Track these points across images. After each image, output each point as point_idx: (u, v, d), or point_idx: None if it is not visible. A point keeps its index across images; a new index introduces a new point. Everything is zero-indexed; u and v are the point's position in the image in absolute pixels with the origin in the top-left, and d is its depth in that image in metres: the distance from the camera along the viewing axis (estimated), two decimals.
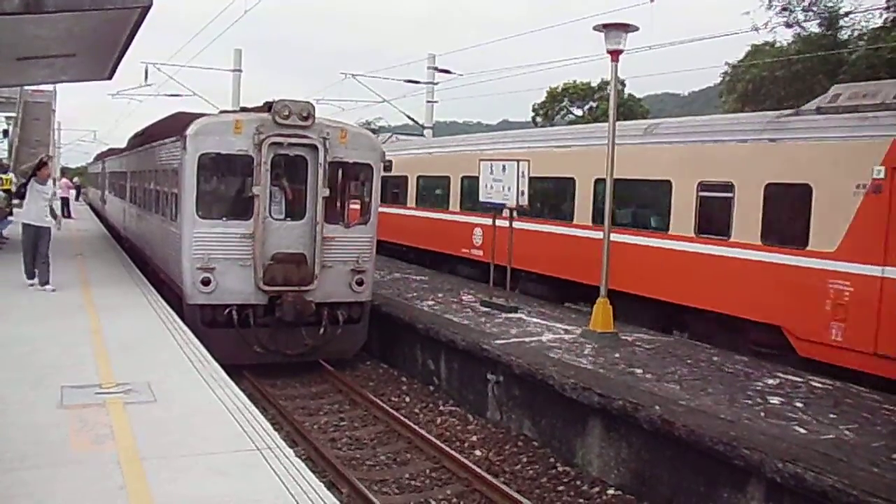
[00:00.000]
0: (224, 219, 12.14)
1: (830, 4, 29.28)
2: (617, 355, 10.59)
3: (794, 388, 9.22)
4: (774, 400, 8.62)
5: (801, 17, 29.66)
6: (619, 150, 11.82)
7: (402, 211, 21.36)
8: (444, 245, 19.23)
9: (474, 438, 10.10)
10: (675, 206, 12.35)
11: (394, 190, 21.85)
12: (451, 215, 18.81)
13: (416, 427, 10.11)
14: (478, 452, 9.58)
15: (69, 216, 33.40)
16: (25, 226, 13.42)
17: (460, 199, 18.54)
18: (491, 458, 9.36)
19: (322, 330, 12.48)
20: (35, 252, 13.24)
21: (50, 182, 14.09)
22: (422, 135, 30.66)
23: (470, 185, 17.09)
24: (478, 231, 17.28)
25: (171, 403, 7.24)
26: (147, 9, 11.80)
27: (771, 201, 10.88)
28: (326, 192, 12.31)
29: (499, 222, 14.02)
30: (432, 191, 20.69)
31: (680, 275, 12.18)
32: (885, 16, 27.59)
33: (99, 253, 19.97)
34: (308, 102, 12.33)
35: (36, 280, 13.20)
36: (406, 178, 21.19)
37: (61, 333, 9.90)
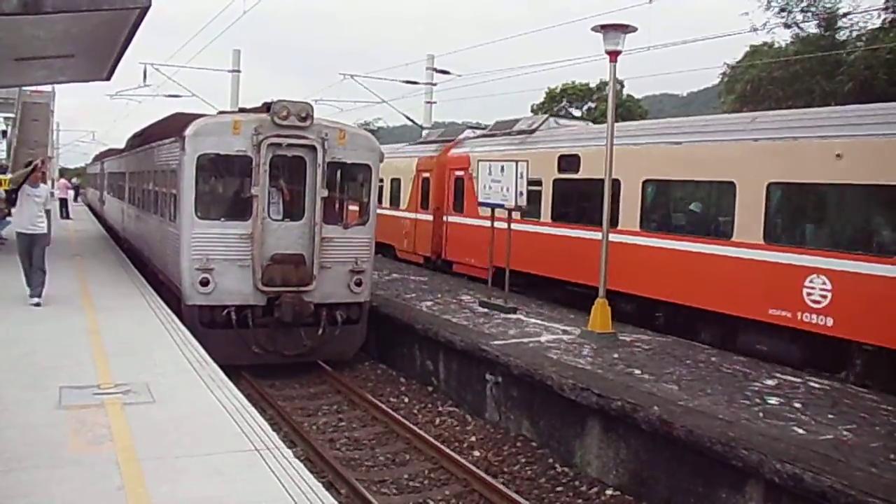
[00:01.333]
0: (223, 219, 12.15)
1: (829, 5, 29.30)
2: (615, 356, 10.59)
3: (793, 388, 9.22)
4: (773, 400, 8.62)
5: (799, 17, 29.67)
6: None
7: (615, 238, 12.46)
8: (725, 300, 11.42)
9: (473, 439, 10.10)
10: None
11: (583, 202, 14.61)
12: (747, 251, 11.03)
13: (414, 428, 10.11)
14: (476, 453, 9.58)
15: (68, 217, 33.43)
16: (19, 234, 12.36)
17: (765, 223, 10.93)
18: (489, 459, 9.36)
19: (320, 330, 12.48)
20: (30, 262, 12.14)
21: (43, 185, 12.72)
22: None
23: (798, 199, 11.04)
24: (818, 281, 10.11)
25: (170, 404, 7.24)
26: (146, 9, 11.80)
27: None
28: (325, 193, 12.31)
29: (497, 223, 14.02)
30: (685, 207, 13.01)
31: None
32: (883, 17, 27.60)
33: (97, 254, 19.96)
34: (307, 103, 12.33)
35: (39, 297, 12.03)
36: (617, 184, 12.83)
37: (60, 334, 9.89)
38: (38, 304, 11.80)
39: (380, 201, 19.59)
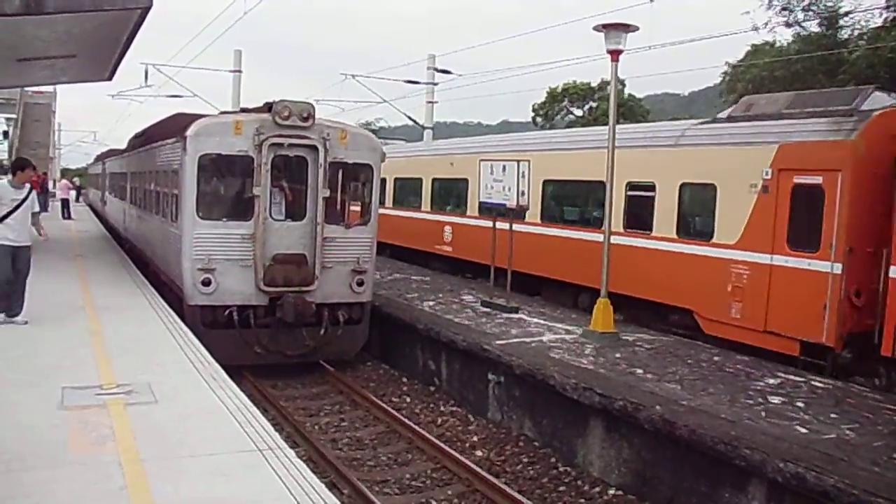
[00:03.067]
0: (224, 220, 12.14)
1: (830, 4, 29.28)
2: (618, 355, 10.59)
3: (795, 387, 9.22)
4: (775, 399, 8.61)
5: (800, 16, 29.68)
6: None
7: None
8: None
9: (475, 439, 10.10)
10: None
11: None
12: None
13: (416, 427, 10.11)
14: (479, 453, 9.57)
15: (69, 217, 33.48)
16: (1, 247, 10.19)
17: None
18: (492, 459, 9.36)
19: (322, 330, 12.47)
20: (14, 278, 10.27)
21: (27, 186, 10.50)
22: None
23: None
24: None
25: (172, 404, 7.23)
26: (147, 10, 11.80)
27: None
28: (327, 193, 12.31)
29: (498, 224, 13.99)
30: None
31: None
32: (885, 15, 27.59)
33: (99, 254, 19.96)
34: (308, 103, 12.33)
35: (2, 315, 10.32)
36: None
37: (62, 335, 9.88)
38: (25, 323, 10.31)
39: (647, 228, 12.77)
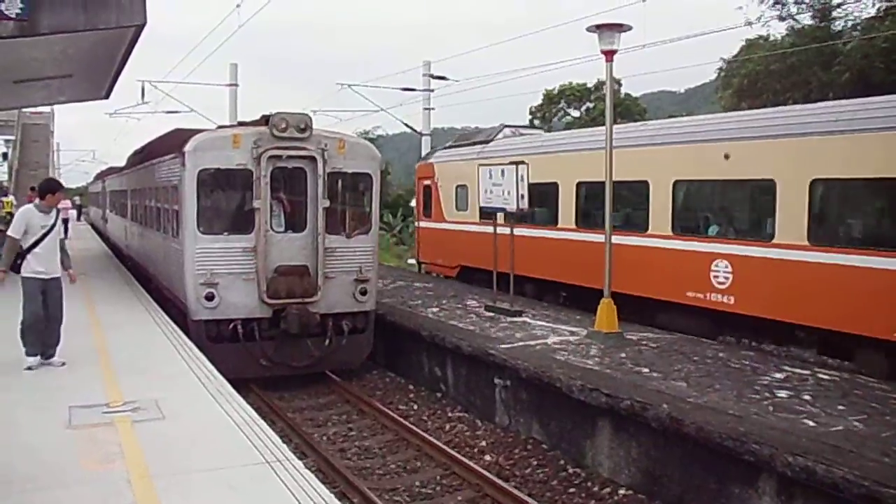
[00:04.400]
0: (226, 233, 12.17)
1: None
2: (623, 355, 10.58)
3: (802, 381, 9.20)
4: (782, 394, 8.60)
5: (793, 9, 29.71)
6: None
7: None
8: None
9: (483, 444, 10.09)
10: None
11: None
12: None
13: (424, 434, 10.11)
14: (487, 457, 9.57)
15: (66, 236, 33.50)
16: (28, 280, 9.21)
17: None
18: (501, 463, 9.35)
19: (327, 341, 12.48)
20: (45, 315, 9.28)
21: (55, 210, 9.66)
22: None
23: None
24: None
25: (180, 420, 7.25)
26: (141, 27, 11.84)
27: None
28: (327, 203, 12.33)
29: (499, 229, 14.00)
30: None
31: None
32: (878, 5, 27.60)
33: (102, 272, 19.99)
34: (305, 114, 12.38)
35: (38, 357, 9.28)
36: None
37: (67, 353, 9.88)
38: (63, 364, 9.35)
39: None
